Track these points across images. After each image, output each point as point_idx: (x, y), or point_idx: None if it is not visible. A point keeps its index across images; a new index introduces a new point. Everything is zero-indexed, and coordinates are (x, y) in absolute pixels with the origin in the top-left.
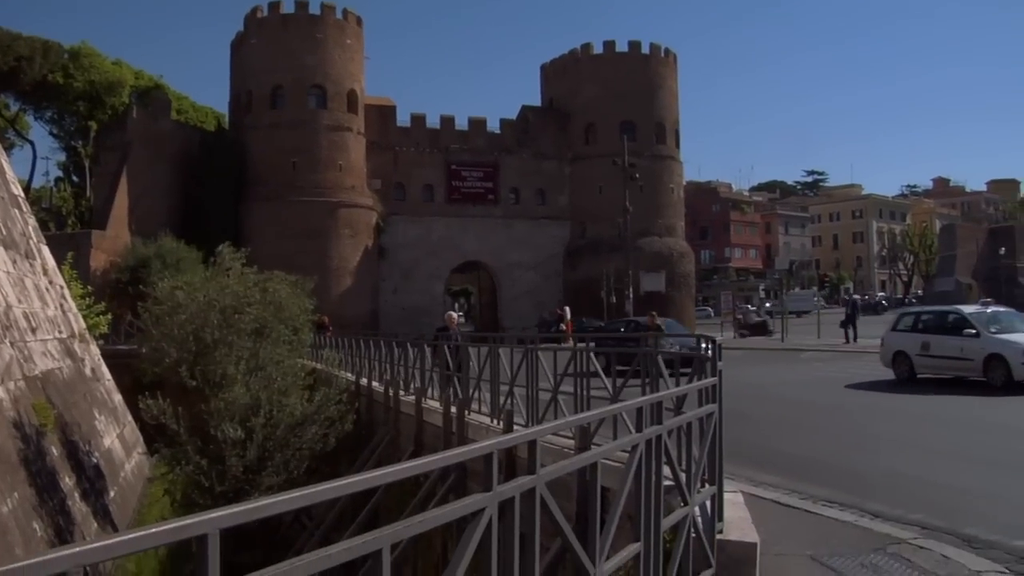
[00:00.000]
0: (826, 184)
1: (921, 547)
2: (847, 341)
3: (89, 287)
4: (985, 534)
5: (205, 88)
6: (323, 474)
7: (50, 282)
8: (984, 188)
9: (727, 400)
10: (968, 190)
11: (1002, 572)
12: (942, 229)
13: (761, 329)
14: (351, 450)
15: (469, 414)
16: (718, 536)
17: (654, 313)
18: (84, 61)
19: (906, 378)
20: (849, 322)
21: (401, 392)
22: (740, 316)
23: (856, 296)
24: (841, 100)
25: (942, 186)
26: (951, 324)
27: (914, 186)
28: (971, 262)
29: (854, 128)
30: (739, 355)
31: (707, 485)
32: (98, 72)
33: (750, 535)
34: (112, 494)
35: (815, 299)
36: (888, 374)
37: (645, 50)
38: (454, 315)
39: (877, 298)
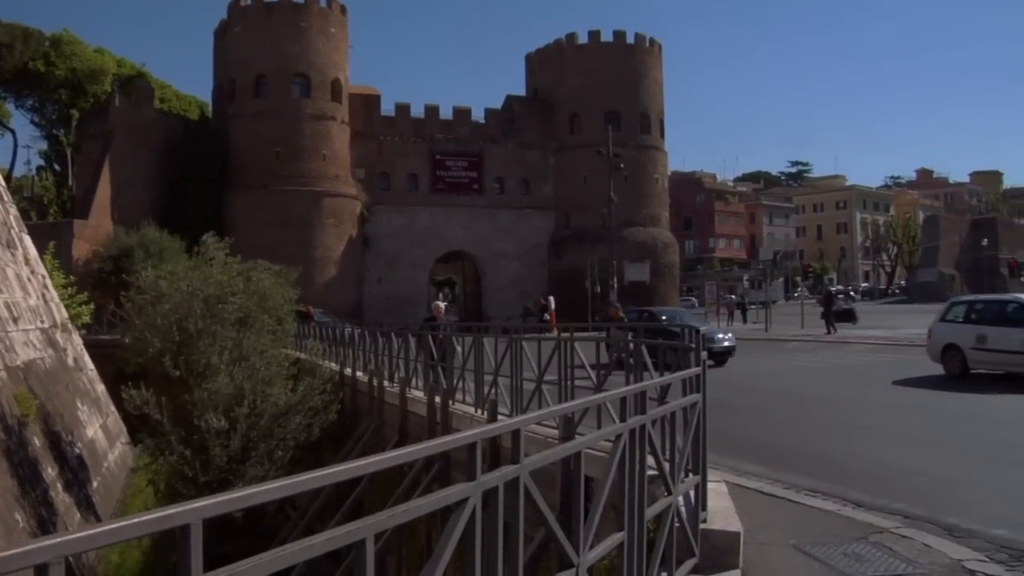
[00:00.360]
0: (810, 175)
1: (903, 536)
2: (828, 332)
3: (71, 277)
4: (966, 523)
5: (188, 77)
6: (307, 464)
7: (32, 272)
8: (967, 179)
9: (711, 390)
10: (951, 181)
11: (982, 560)
12: (925, 220)
13: (848, 316)
14: (335, 440)
15: (453, 404)
16: (702, 525)
17: (617, 305)
18: (66, 48)
19: (958, 374)
20: (827, 313)
21: (386, 382)
22: (726, 305)
23: (834, 287)
24: (824, 88)
25: (925, 177)
26: (1011, 314)
27: (898, 177)
28: (954, 253)
29: (838, 118)
30: None
31: (691, 475)
32: (80, 60)
33: (733, 524)
34: (95, 484)
35: (799, 291)
36: (936, 368)
37: (630, 40)
38: (441, 305)
39: (842, 288)
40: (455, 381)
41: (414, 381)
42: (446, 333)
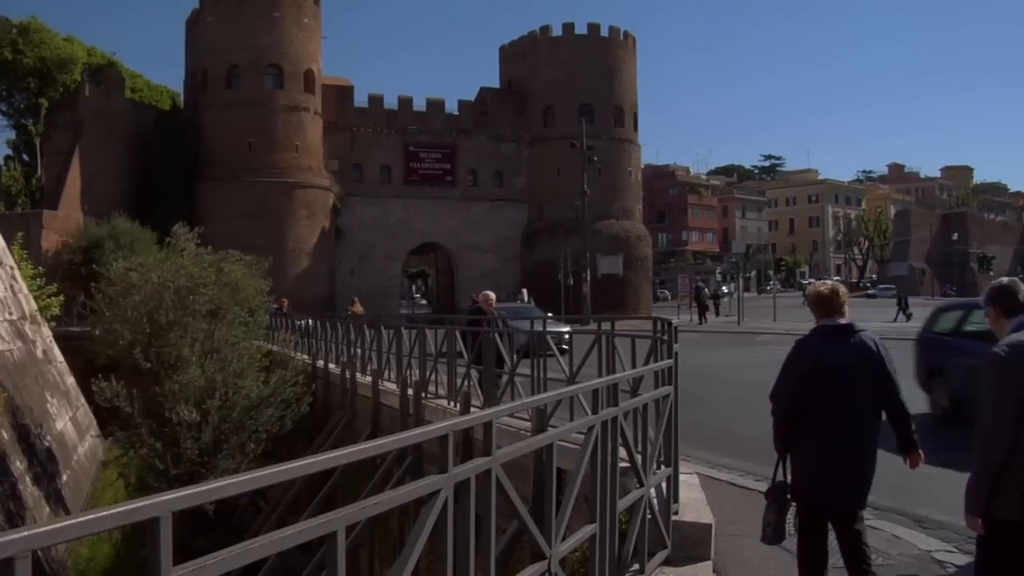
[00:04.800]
0: (783, 168)
1: (873, 527)
2: (701, 322)
3: (40, 268)
4: (935, 514)
5: (160, 66)
6: (279, 456)
7: (0, 263)
8: (938, 174)
9: (683, 382)
10: (922, 176)
11: (951, 551)
12: (896, 214)
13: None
14: (308, 433)
15: (426, 396)
16: (673, 517)
17: (475, 298)
18: (34, 37)
19: None
20: (699, 306)
21: (358, 374)
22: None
23: (701, 284)
24: (797, 80)
25: (897, 172)
26: None
27: (869, 172)
28: (925, 247)
29: (811, 111)
30: (696, 338)
31: (663, 467)
32: (49, 48)
33: (705, 516)
34: (65, 478)
35: (771, 284)
36: None
37: (604, 33)
38: (491, 296)
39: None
40: (428, 374)
41: (386, 373)
42: (501, 329)
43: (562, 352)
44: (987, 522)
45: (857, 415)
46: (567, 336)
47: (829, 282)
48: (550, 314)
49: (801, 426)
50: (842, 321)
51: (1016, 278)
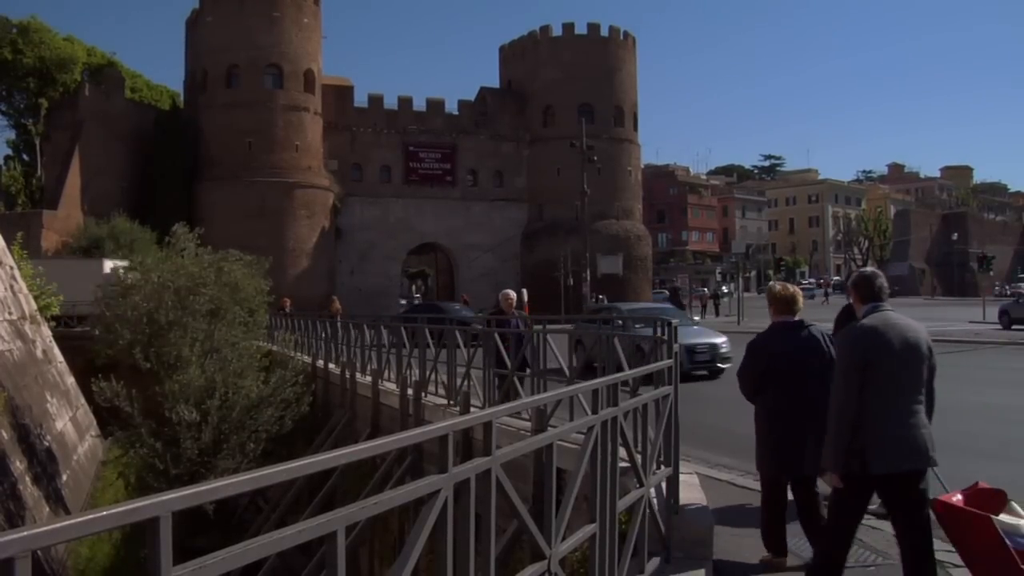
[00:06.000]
0: (783, 168)
1: (873, 527)
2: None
3: (40, 268)
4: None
5: (160, 66)
6: (279, 456)
7: None
8: (938, 174)
9: (683, 382)
10: (922, 176)
11: (950, 551)
12: (896, 214)
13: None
14: (308, 433)
15: (426, 396)
16: (673, 517)
17: (465, 298)
18: (34, 36)
19: None
20: (677, 304)
21: (358, 374)
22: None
23: (678, 285)
24: (797, 80)
25: (897, 172)
26: None
27: (869, 171)
28: (925, 247)
29: (811, 111)
30: None
31: (662, 467)
32: (48, 48)
33: (705, 516)
34: (64, 478)
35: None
36: None
37: (604, 33)
38: (512, 295)
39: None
40: (427, 373)
41: (386, 373)
42: (518, 330)
43: (715, 373)
44: (841, 478)
45: (807, 400)
46: (723, 349)
47: (789, 286)
48: (696, 317)
49: (761, 395)
50: (794, 319)
51: (877, 270)
